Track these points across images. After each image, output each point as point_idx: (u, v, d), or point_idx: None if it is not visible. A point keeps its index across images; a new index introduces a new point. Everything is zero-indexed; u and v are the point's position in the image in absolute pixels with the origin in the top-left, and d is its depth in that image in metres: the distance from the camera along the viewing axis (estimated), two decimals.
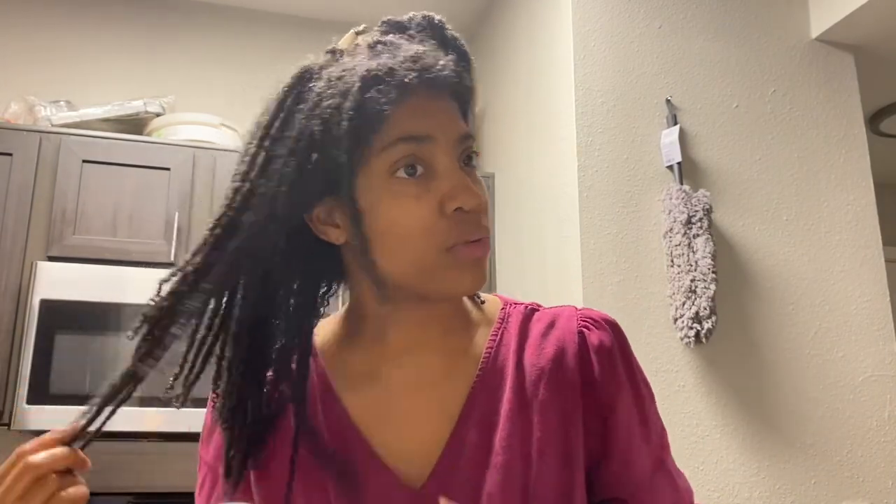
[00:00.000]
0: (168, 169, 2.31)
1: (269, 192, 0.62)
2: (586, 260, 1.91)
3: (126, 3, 2.77)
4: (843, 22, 2.18)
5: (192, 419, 2.08)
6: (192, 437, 2.34)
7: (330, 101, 0.62)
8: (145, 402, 2.09)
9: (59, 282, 2.09)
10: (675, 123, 2.03)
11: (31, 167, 2.21)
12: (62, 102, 2.45)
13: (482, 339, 0.73)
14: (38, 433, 2.36)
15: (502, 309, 0.76)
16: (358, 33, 0.73)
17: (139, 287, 2.15)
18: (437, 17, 0.71)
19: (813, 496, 1.92)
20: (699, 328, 1.82)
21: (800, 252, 2.09)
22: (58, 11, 2.70)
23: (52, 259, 2.15)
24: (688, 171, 2.03)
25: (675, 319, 1.88)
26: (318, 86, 0.63)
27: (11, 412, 2.01)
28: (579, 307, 0.77)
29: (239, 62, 2.84)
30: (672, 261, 1.91)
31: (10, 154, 2.21)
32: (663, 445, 0.77)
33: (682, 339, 1.86)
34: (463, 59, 0.69)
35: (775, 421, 1.95)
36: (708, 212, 1.91)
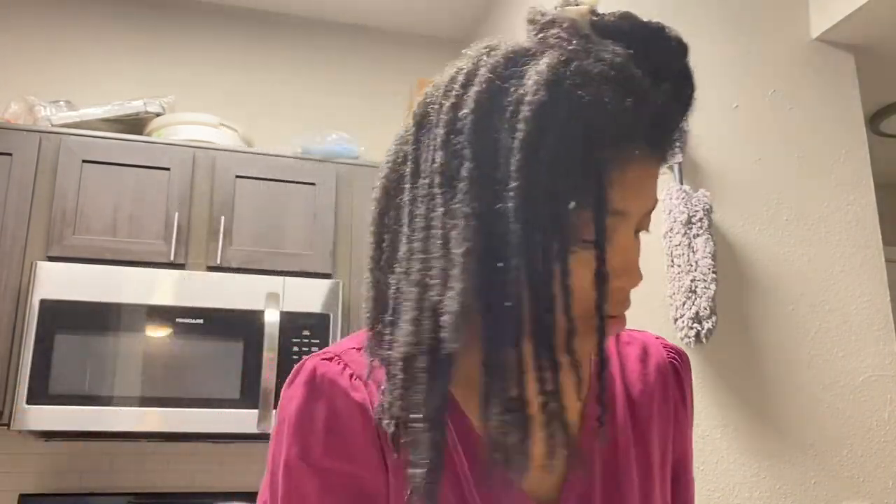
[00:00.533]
0: (168, 169, 2.32)
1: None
2: None
3: (126, 3, 2.77)
4: (843, 22, 2.18)
5: (193, 419, 2.08)
6: (192, 437, 2.35)
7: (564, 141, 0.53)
8: (145, 402, 2.09)
9: (58, 282, 2.09)
10: None
11: (31, 167, 2.21)
12: (62, 102, 2.45)
13: None
14: (38, 433, 2.36)
15: None
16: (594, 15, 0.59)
17: (139, 287, 2.15)
18: (684, 48, 0.61)
19: (813, 496, 1.92)
20: (699, 328, 1.82)
21: (800, 252, 2.09)
22: (58, 11, 2.71)
23: (52, 259, 2.16)
24: (688, 171, 2.03)
25: (675, 319, 1.88)
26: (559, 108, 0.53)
27: (11, 412, 2.01)
28: (655, 335, 0.80)
29: (239, 62, 2.84)
30: (672, 261, 1.91)
31: (10, 154, 2.21)
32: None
33: (682, 339, 1.86)
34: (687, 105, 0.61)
35: (775, 421, 1.95)
36: (708, 212, 1.91)
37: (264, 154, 2.45)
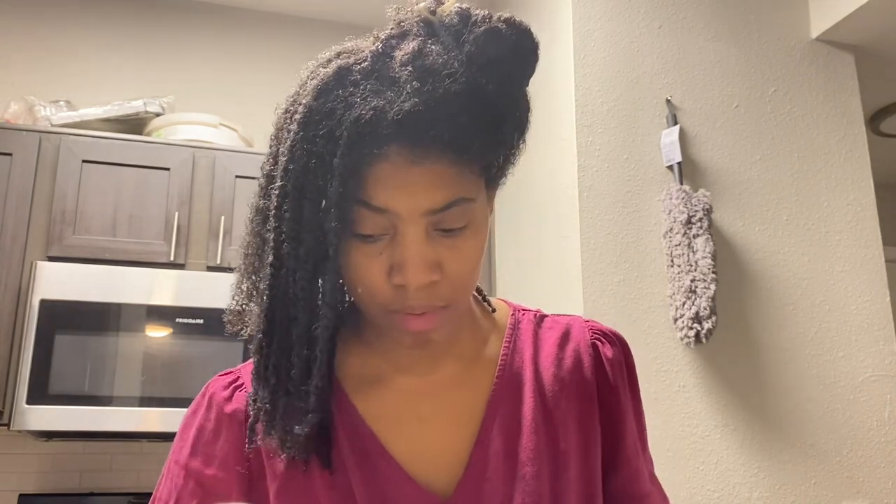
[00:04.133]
0: (168, 169, 2.32)
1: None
2: (586, 260, 1.91)
3: (126, 3, 2.77)
4: (843, 22, 2.18)
5: None
6: None
7: (322, 133, 0.57)
8: (145, 402, 2.09)
9: (58, 282, 2.09)
10: (675, 123, 2.03)
11: (31, 167, 2.21)
12: (62, 102, 2.45)
13: (494, 346, 0.73)
14: (38, 433, 2.35)
15: (511, 315, 0.75)
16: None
17: (139, 287, 2.15)
18: (476, 14, 0.60)
19: (813, 496, 1.92)
20: (699, 328, 1.82)
21: (800, 252, 2.09)
22: (58, 11, 2.70)
23: (52, 259, 2.15)
24: (688, 171, 2.03)
25: (675, 319, 1.88)
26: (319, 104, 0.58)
27: (11, 412, 2.01)
28: (585, 318, 0.77)
29: (239, 62, 2.84)
30: (672, 261, 1.91)
31: (10, 154, 2.21)
32: (651, 459, 0.80)
33: (682, 339, 1.86)
34: (497, 80, 0.59)
35: (775, 421, 1.95)
36: (708, 212, 1.91)
37: (264, 154, 2.44)
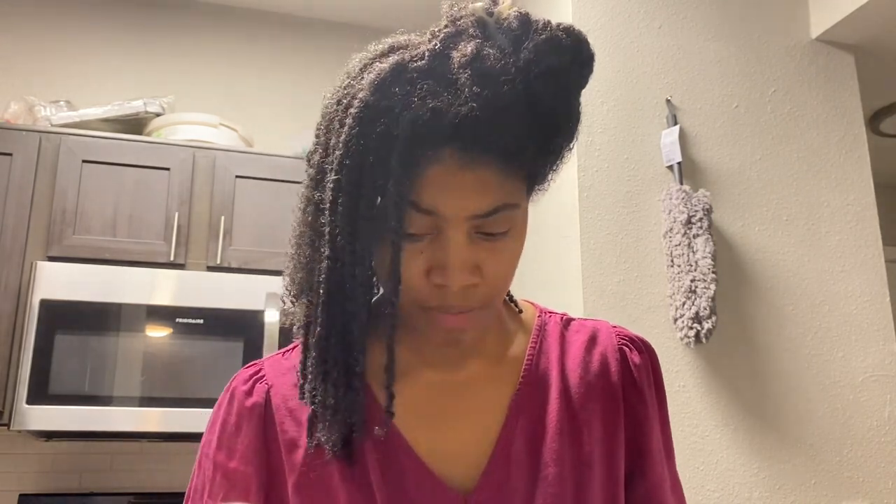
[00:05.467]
0: (168, 169, 2.32)
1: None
2: (586, 260, 1.91)
3: (126, 3, 2.77)
4: (843, 22, 2.18)
5: (192, 419, 2.08)
6: (192, 438, 2.35)
7: (379, 130, 0.57)
8: (145, 402, 2.09)
9: (59, 282, 2.09)
10: (675, 123, 2.03)
11: (31, 167, 2.21)
12: (62, 102, 2.45)
13: (521, 346, 0.73)
14: (38, 433, 2.35)
15: (538, 317, 0.76)
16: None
17: (139, 287, 2.15)
18: (537, 21, 0.59)
19: (813, 496, 1.92)
20: (699, 328, 1.82)
21: (800, 252, 2.09)
22: (58, 11, 2.71)
23: (52, 259, 2.15)
24: (688, 171, 2.03)
25: (675, 319, 1.88)
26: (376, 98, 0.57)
27: (11, 412, 2.01)
28: (612, 324, 0.77)
29: (239, 62, 2.84)
30: (672, 261, 1.91)
31: (10, 154, 2.21)
32: (677, 474, 0.79)
33: (682, 339, 1.86)
34: (555, 86, 0.59)
35: (775, 421, 1.95)
36: (708, 212, 1.91)
37: (264, 154, 2.45)
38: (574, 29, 0.60)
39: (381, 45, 0.62)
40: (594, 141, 2.00)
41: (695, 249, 1.87)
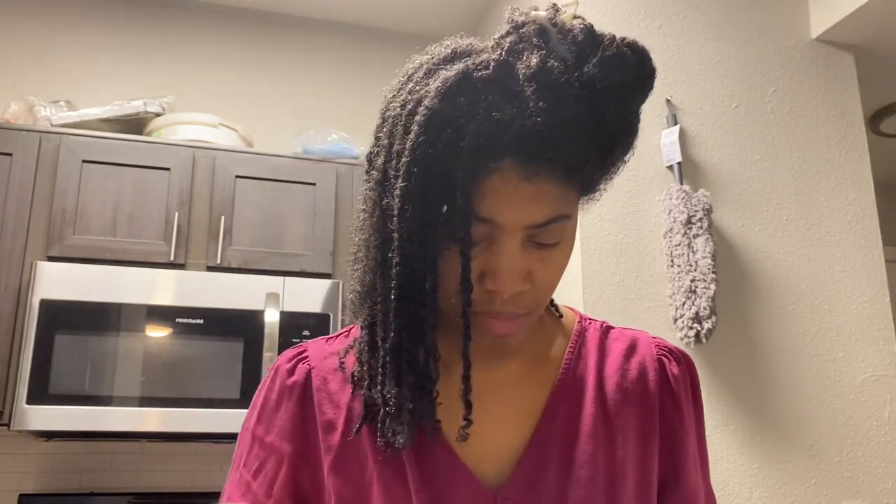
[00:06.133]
0: (168, 169, 2.32)
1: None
2: (586, 260, 1.91)
3: (126, 3, 2.77)
4: (843, 22, 2.18)
5: (192, 419, 2.08)
6: (192, 437, 2.35)
7: (445, 139, 0.57)
8: (145, 402, 2.09)
9: (59, 282, 2.09)
10: (675, 123, 2.03)
11: (31, 167, 2.21)
12: (62, 102, 2.45)
13: (560, 349, 0.74)
14: (38, 433, 2.35)
15: (578, 322, 0.77)
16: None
17: (139, 287, 2.15)
18: (604, 35, 0.59)
19: (813, 496, 1.92)
20: (699, 328, 1.82)
21: (800, 252, 2.09)
22: (57, 12, 2.71)
23: (52, 259, 2.15)
24: (688, 171, 2.03)
25: (675, 319, 1.88)
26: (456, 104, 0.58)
27: (11, 412, 2.01)
28: (652, 335, 0.78)
29: (239, 62, 2.84)
30: (672, 261, 1.91)
31: (10, 154, 2.21)
32: (712, 491, 0.79)
33: (682, 339, 1.86)
34: (617, 105, 0.59)
35: (775, 421, 1.95)
36: (708, 212, 1.91)
37: (264, 154, 2.45)
38: (638, 45, 0.60)
39: (443, 49, 0.62)
40: None
41: (695, 249, 1.87)
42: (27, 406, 2.00)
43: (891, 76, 2.58)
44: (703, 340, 1.83)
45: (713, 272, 1.83)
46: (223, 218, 2.31)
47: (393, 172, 0.60)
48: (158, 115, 2.45)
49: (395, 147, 0.60)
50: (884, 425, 2.03)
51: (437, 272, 0.61)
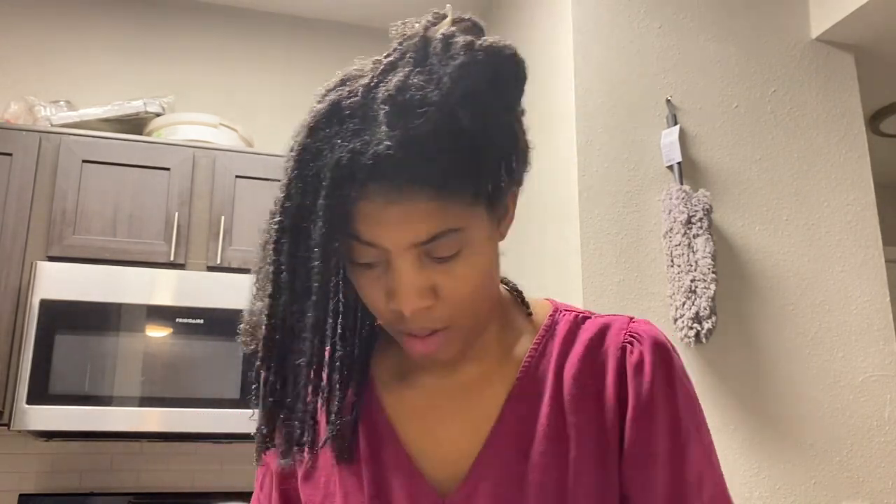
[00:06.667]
0: (168, 169, 2.32)
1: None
2: (586, 260, 1.91)
3: (126, 3, 2.77)
4: (843, 22, 2.18)
5: (192, 419, 2.08)
6: (192, 437, 2.34)
7: (311, 174, 0.60)
8: (145, 402, 2.09)
9: (59, 282, 2.09)
10: (675, 123, 2.03)
11: (31, 167, 2.21)
12: (62, 102, 2.45)
13: (525, 347, 0.71)
14: (38, 433, 2.35)
15: (550, 316, 0.74)
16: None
17: (139, 287, 2.15)
18: (457, 42, 0.58)
19: (813, 496, 1.92)
20: (699, 328, 1.82)
21: (800, 252, 2.09)
22: (58, 11, 2.71)
23: (52, 259, 2.15)
24: (688, 171, 2.03)
25: (675, 319, 1.88)
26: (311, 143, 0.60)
27: (11, 412, 2.01)
28: (631, 318, 0.72)
29: (239, 62, 2.84)
30: (672, 261, 1.91)
31: (10, 154, 2.21)
32: (715, 498, 0.67)
33: (682, 339, 1.86)
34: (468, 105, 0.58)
35: (775, 421, 1.95)
36: (708, 212, 1.91)
37: (264, 154, 2.45)
38: (496, 45, 0.59)
39: (334, 79, 0.63)
40: (594, 141, 2.00)
41: (695, 249, 1.87)
42: (27, 406, 2.00)
43: (891, 76, 2.58)
44: (703, 340, 1.83)
45: (713, 272, 1.83)
46: (223, 218, 2.31)
47: (274, 208, 0.63)
48: (158, 115, 2.45)
49: (280, 184, 0.63)
50: (884, 425, 2.03)
51: (313, 302, 0.62)
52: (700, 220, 1.89)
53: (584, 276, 1.90)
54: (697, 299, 1.83)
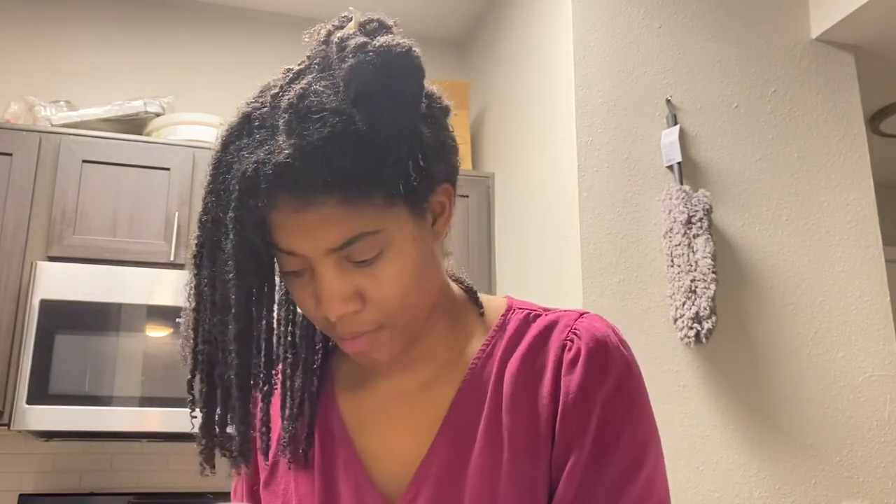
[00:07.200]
0: (168, 169, 2.31)
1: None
2: (586, 260, 1.91)
3: (126, 3, 2.77)
4: (843, 22, 2.18)
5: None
6: (192, 438, 2.34)
7: (222, 187, 0.60)
8: (145, 402, 2.09)
9: (59, 282, 2.09)
10: (675, 123, 2.03)
11: (31, 167, 2.21)
12: (62, 102, 2.45)
13: (475, 348, 0.69)
14: (38, 433, 2.34)
15: (502, 315, 0.71)
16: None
17: (139, 287, 2.15)
18: (348, 44, 0.59)
19: (813, 496, 1.92)
20: (699, 328, 1.82)
21: (800, 252, 2.09)
22: (58, 11, 2.71)
23: (52, 259, 2.15)
24: (688, 171, 2.03)
25: (675, 319, 1.88)
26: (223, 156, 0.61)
27: (11, 412, 2.01)
28: (581, 313, 0.69)
29: (239, 62, 2.84)
30: (672, 261, 1.91)
31: (10, 154, 2.20)
32: (625, 486, 0.62)
33: (682, 339, 1.86)
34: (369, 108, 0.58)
35: (775, 421, 1.95)
36: (708, 212, 1.91)
37: None
38: (388, 44, 0.59)
39: (254, 90, 0.65)
40: (594, 141, 2.00)
41: (695, 249, 1.87)
42: (27, 406, 2.00)
43: (891, 76, 2.58)
44: (703, 340, 1.84)
45: (713, 272, 1.83)
46: None
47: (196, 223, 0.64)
48: (158, 115, 2.45)
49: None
50: (884, 425, 2.03)
51: (244, 313, 0.63)
52: (700, 220, 1.89)
53: (584, 276, 1.90)
54: (697, 299, 1.83)
